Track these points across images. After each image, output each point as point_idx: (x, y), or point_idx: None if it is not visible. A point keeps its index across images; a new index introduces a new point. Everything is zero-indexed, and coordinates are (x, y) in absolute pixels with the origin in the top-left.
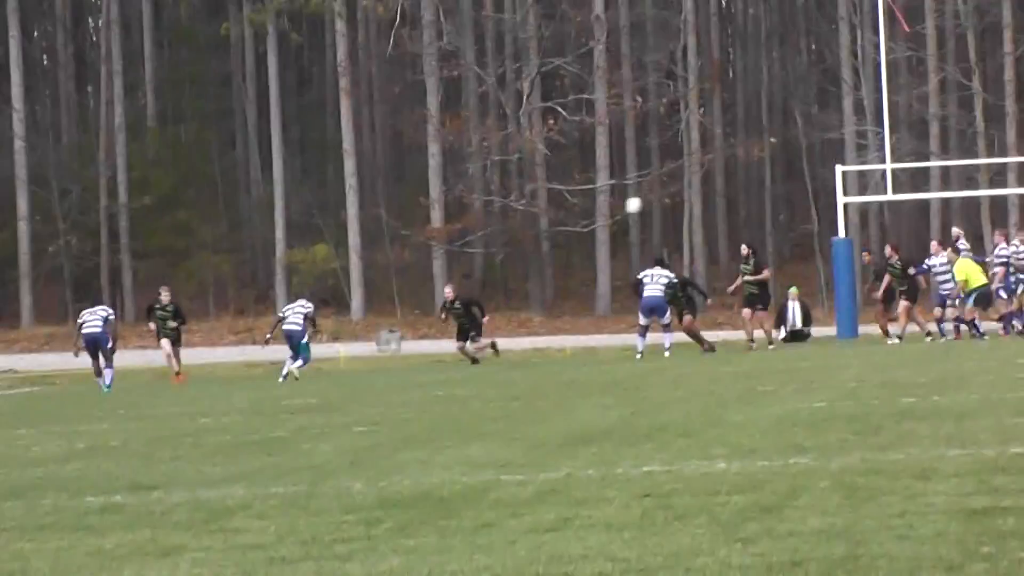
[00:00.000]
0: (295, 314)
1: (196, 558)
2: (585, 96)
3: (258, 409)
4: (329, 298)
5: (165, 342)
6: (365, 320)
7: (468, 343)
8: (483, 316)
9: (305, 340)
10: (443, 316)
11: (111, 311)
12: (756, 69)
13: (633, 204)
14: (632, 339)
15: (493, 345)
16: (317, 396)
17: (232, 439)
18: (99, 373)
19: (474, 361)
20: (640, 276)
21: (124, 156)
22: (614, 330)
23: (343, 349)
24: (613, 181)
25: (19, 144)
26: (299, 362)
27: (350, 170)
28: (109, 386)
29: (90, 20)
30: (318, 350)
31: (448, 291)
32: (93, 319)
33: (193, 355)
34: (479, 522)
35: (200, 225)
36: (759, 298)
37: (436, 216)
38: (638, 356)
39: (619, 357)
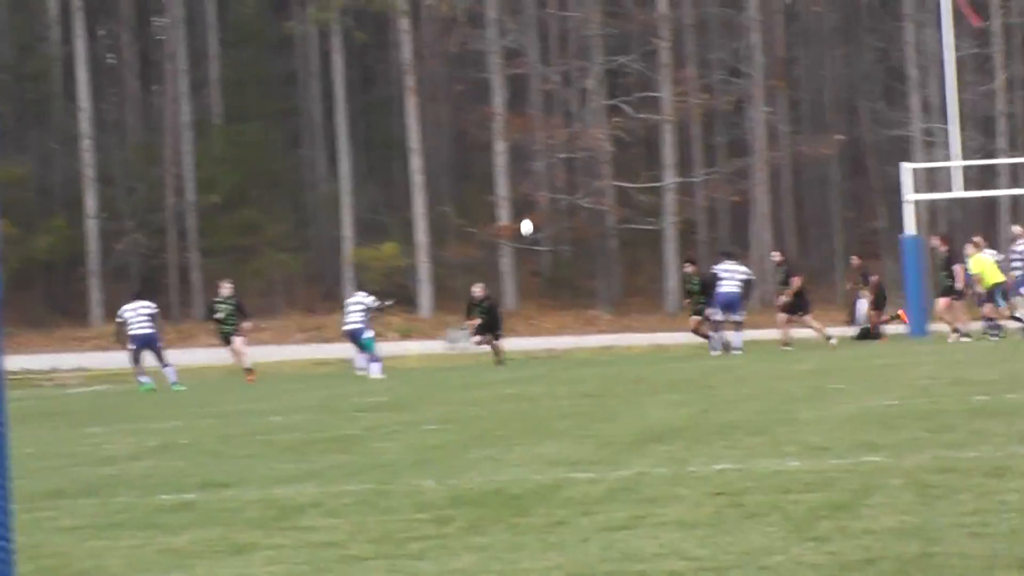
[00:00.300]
0: (353, 312)
1: (268, 556)
2: (650, 93)
3: (328, 407)
4: (397, 296)
5: (229, 347)
6: (434, 318)
7: (496, 341)
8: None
9: (368, 336)
10: (470, 317)
11: (154, 306)
12: (821, 66)
13: (526, 226)
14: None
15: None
16: (387, 394)
17: (303, 437)
18: (142, 372)
19: (499, 362)
20: (716, 271)
21: (190, 154)
22: (683, 327)
23: (412, 347)
24: (680, 178)
25: (86, 142)
26: (376, 364)
27: (416, 168)
28: (176, 383)
29: (155, 19)
30: (388, 348)
31: (477, 290)
32: (140, 319)
33: (262, 353)
34: (551, 520)
35: (267, 223)
36: (797, 305)
37: (503, 214)
38: (714, 352)
39: (688, 354)
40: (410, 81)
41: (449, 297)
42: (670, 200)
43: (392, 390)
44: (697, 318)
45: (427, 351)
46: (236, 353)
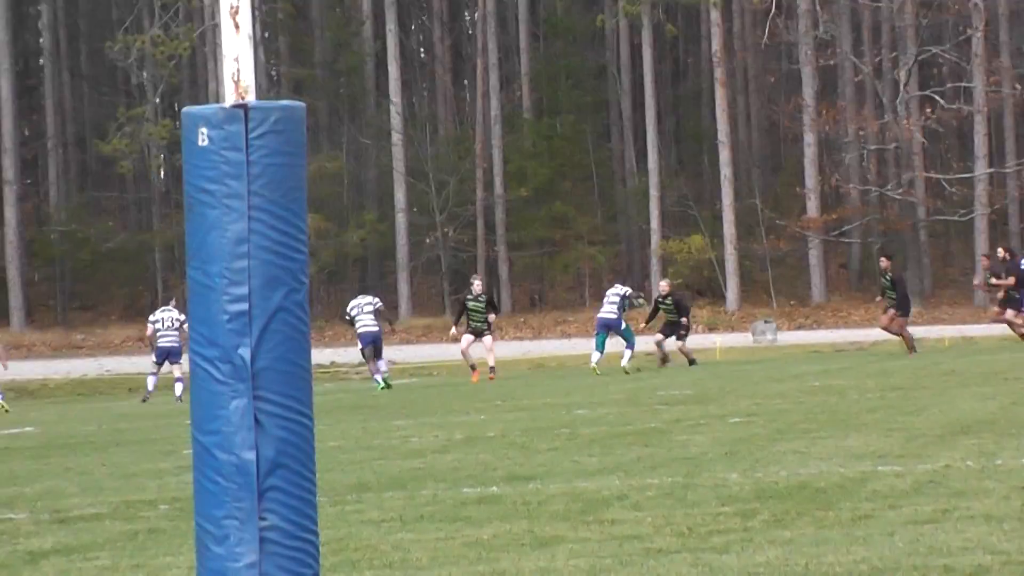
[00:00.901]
0: (609, 302)
1: (573, 549)
2: (963, 84)
3: (633, 400)
4: (705, 289)
5: (467, 337)
6: (740, 311)
7: (679, 341)
8: (687, 320)
9: (624, 326)
10: (654, 310)
11: (378, 301)
12: None
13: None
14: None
15: (692, 361)
16: (692, 387)
17: (608, 430)
18: (375, 371)
19: (676, 360)
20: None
21: (500, 148)
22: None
23: (719, 340)
24: (992, 170)
25: (397, 137)
26: (628, 353)
27: (725, 160)
28: (386, 382)
29: (466, 14)
30: (694, 341)
31: (664, 285)
32: (366, 316)
33: (568, 346)
34: (856, 514)
35: (576, 216)
36: (1017, 300)
37: (812, 206)
38: None
39: (1000, 347)
40: (720, 73)
41: (756, 290)
42: (981, 191)
43: (697, 383)
44: (890, 313)
45: (733, 344)
46: (466, 352)
